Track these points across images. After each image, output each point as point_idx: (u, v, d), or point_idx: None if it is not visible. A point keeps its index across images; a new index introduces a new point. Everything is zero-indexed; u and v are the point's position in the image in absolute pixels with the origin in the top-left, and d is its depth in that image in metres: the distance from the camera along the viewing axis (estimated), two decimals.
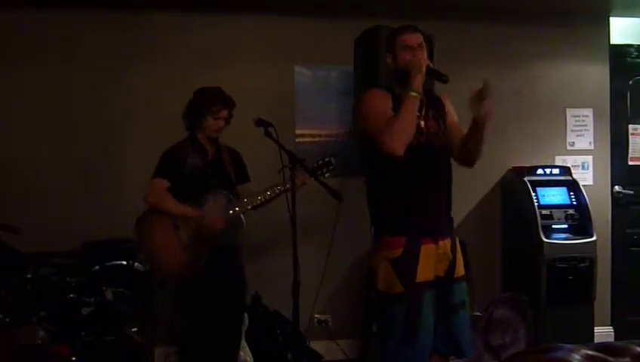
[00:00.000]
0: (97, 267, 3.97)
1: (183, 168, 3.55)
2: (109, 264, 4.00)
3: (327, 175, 3.72)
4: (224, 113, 3.56)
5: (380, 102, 2.80)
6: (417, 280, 2.70)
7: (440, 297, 2.77)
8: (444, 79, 2.79)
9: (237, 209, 3.52)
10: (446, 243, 2.80)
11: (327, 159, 3.76)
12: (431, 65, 2.80)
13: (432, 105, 2.93)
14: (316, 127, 4.75)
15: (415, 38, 2.85)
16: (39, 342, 3.56)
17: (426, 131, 2.83)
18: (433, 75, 2.82)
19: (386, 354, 2.77)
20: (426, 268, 2.72)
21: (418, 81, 2.73)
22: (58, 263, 3.92)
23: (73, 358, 3.50)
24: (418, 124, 2.78)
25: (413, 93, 2.70)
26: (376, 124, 2.73)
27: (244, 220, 3.58)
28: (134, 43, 4.56)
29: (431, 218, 2.79)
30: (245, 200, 3.55)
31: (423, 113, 2.85)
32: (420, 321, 2.69)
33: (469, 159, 2.94)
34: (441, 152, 2.89)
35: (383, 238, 2.81)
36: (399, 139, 2.65)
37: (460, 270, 2.86)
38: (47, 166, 4.44)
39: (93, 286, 3.86)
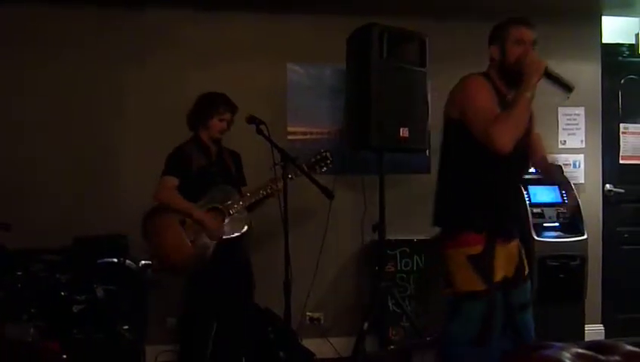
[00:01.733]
0: (88, 264, 3.95)
1: (190, 167, 3.68)
2: (100, 261, 3.99)
3: (324, 169, 3.78)
4: (228, 116, 3.72)
5: (488, 95, 2.68)
6: (496, 279, 2.68)
7: (507, 297, 2.75)
8: (566, 88, 2.70)
9: (241, 203, 3.64)
10: (516, 244, 2.82)
11: (324, 153, 3.82)
12: (549, 68, 2.66)
13: None
14: (308, 125, 4.74)
15: (530, 34, 2.76)
16: (29, 339, 3.54)
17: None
18: (552, 79, 2.69)
19: (458, 352, 2.71)
20: (501, 269, 2.71)
21: (534, 81, 2.61)
22: (49, 260, 3.90)
23: (64, 356, 3.48)
24: None
25: (529, 95, 2.58)
26: (484, 117, 2.59)
27: (247, 215, 3.68)
28: (127, 41, 4.54)
29: (509, 218, 2.80)
30: (248, 194, 3.68)
31: None
32: (495, 321, 2.67)
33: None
34: (526, 153, 2.85)
35: (461, 234, 2.72)
36: (511, 136, 2.54)
37: (525, 271, 2.86)
38: (39, 162, 4.43)
39: (84, 283, 3.84)
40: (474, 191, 2.74)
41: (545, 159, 2.98)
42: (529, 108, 2.61)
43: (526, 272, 2.86)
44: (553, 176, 3.02)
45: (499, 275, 2.69)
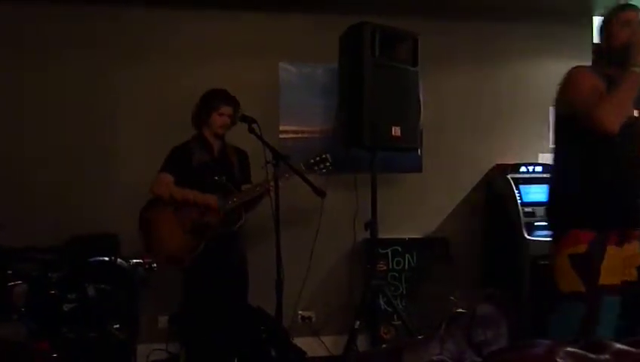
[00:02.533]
0: (80, 263, 3.93)
1: (190, 164, 3.75)
2: (91, 260, 3.97)
3: (323, 171, 3.80)
4: (228, 110, 3.77)
5: (592, 80, 2.62)
6: (601, 282, 2.55)
7: (630, 302, 2.62)
8: None
9: (236, 199, 3.68)
10: (633, 245, 2.63)
11: (323, 156, 3.85)
12: None
13: None
14: (300, 124, 4.74)
15: (636, 15, 2.69)
16: (20, 338, 3.53)
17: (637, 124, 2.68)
18: None
19: None
20: (611, 273, 2.56)
21: None
22: (39, 258, 3.88)
23: (54, 355, 3.46)
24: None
25: (637, 69, 2.52)
26: (588, 100, 2.54)
27: (243, 212, 3.72)
28: (120, 40, 4.55)
29: (627, 213, 2.63)
30: (244, 190, 3.75)
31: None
32: (596, 330, 2.53)
33: None
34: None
35: (566, 233, 2.64)
36: (616, 114, 2.49)
37: None
38: (31, 162, 4.42)
39: (75, 282, 3.82)
40: (583, 187, 2.66)
41: None
42: (637, 84, 2.54)
43: None
44: None
45: (608, 279, 2.56)
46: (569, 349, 1.80)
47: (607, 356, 1.75)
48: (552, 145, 5.03)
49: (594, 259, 2.56)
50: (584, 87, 2.62)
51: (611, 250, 2.57)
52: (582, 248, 2.58)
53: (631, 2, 2.80)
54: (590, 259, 2.56)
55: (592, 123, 2.51)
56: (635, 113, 2.70)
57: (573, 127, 2.63)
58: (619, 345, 1.81)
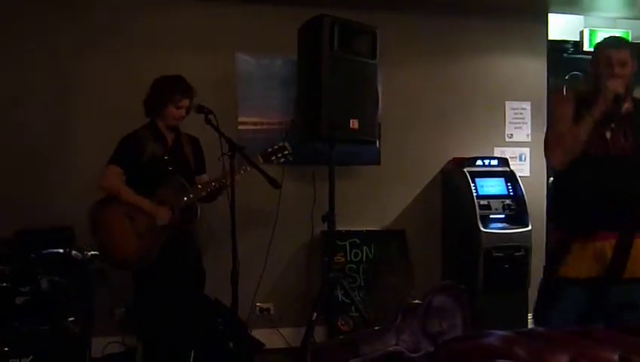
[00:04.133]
0: (33, 255, 3.86)
1: (142, 156, 3.58)
2: (44, 252, 3.90)
3: (282, 160, 3.76)
4: (186, 102, 3.60)
5: (563, 109, 2.87)
6: (562, 274, 2.78)
7: (597, 298, 2.74)
8: (619, 112, 2.75)
9: (191, 196, 3.57)
10: (605, 243, 2.74)
11: (281, 144, 3.80)
12: (621, 93, 2.71)
13: (632, 118, 2.83)
14: (259, 115, 4.71)
15: (618, 55, 2.78)
16: None
17: (611, 144, 2.80)
18: (616, 104, 2.73)
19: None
20: (577, 266, 2.75)
21: (599, 107, 2.70)
22: None
23: (6, 349, 3.41)
24: (602, 136, 2.78)
25: (590, 119, 2.71)
26: (551, 130, 2.89)
27: (198, 207, 3.63)
28: (74, 30, 4.46)
29: (592, 217, 2.76)
30: (200, 186, 3.61)
31: (613, 126, 2.80)
32: (550, 317, 2.76)
33: None
34: (625, 164, 2.81)
35: (550, 229, 3.00)
36: (561, 155, 2.77)
37: (631, 272, 2.73)
38: None
39: (28, 274, 3.76)
40: (559, 192, 2.95)
41: None
42: (587, 131, 2.72)
43: (636, 275, 2.73)
44: None
45: (570, 273, 2.77)
46: (517, 337, 1.85)
47: (553, 344, 1.81)
48: (507, 139, 5.19)
49: (559, 252, 2.79)
50: (554, 115, 2.94)
51: (577, 246, 2.77)
52: (553, 240, 2.89)
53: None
54: (555, 251, 2.81)
55: (545, 153, 2.88)
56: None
57: None
58: (566, 334, 1.87)
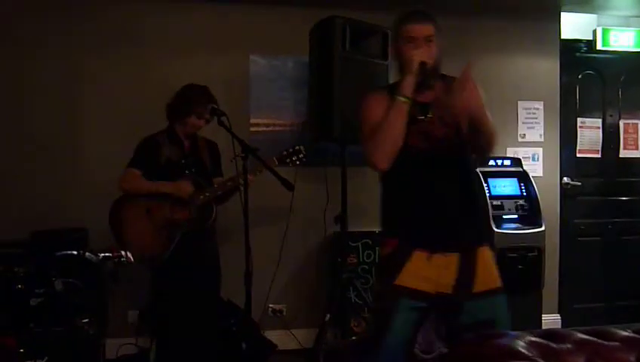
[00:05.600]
0: (47, 257, 3.89)
1: (159, 159, 3.66)
2: (59, 254, 3.92)
3: (297, 163, 3.79)
4: (208, 115, 3.64)
5: (374, 109, 2.50)
6: (397, 282, 2.46)
7: (450, 315, 2.52)
8: (430, 82, 2.47)
9: (208, 194, 3.61)
10: (448, 258, 2.48)
11: (297, 147, 3.82)
12: (428, 64, 2.42)
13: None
14: (271, 117, 4.73)
15: (421, 29, 2.47)
16: None
17: (433, 137, 2.50)
18: (424, 74, 2.43)
19: (366, 348, 2.63)
20: (415, 277, 2.46)
21: (407, 82, 2.40)
22: (6, 253, 3.83)
23: (21, 350, 3.43)
24: (423, 130, 2.48)
25: (401, 99, 2.39)
26: (363, 134, 2.50)
27: (214, 206, 3.66)
28: (89, 32, 4.50)
29: (431, 228, 2.49)
30: (216, 185, 3.66)
31: (429, 115, 2.50)
32: (390, 327, 2.46)
33: (476, 150, 2.60)
34: (452, 160, 2.54)
35: (382, 239, 2.64)
36: (381, 151, 2.40)
37: (484, 284, 2.49)
38: None
39: (42, 276, 3.78)
40: (388, 199, 2.64)
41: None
42: (404, 115, 2.40)
43: (488, 287, 2.50)
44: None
45: (414, 283, 2.45)
46: (533, 339, 1.84)
47: (569, 345, 1.80)
48: (520, 139, 5.16)
49: (395, 261, 2.49)
50: (364, 121, 2.53)
51: (418, 257, 2.48)
52: (387, 250, 2.55)
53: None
54: (391, 260, 2.51)
55: (365, 161, 2.46)
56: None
57: None
58: (581, 335, 1.86)
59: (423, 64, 2.40)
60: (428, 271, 2.47)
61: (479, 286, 2.48)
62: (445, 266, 2.47)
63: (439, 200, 2.51)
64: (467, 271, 2.48)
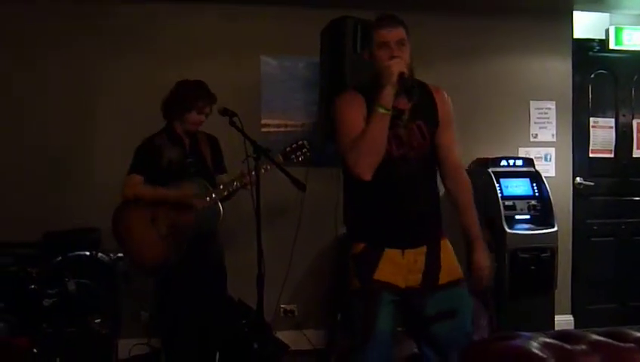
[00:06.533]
0: (60, 257, 3.91)
1: (160, 161, 3.57)
2: (71, 254, 3.95)
3: (300, 158, 3.73)
4: (208, 109, 3.58)
5: (352, 113, 2.48)
6: (376, 277, 2.49)
7: (416, 308, 2.55)
8: (413, 94, 2.47)
9: (214, 196, 3.54)
10: (417, 252, 2.54)
11: (300, 142, 3.74)
12: (406, 73, 2.40)
13: (422, 108, 2.56)
14: (282, 117, 4.74)
15: (393, 34, 2.47)
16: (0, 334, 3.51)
17: (408, 144, 2.52)
18: (404, 85, 2.42)
19: (352, 356, 2.60)
20: (390, 272, 2.50)
21: (387, 93, 2.37)
22: (19, 253, 3.86)
23: (34, 350, 3.45)
24: (398, 135, 2.49)
25: (382, 110, 2.37)
26: (344, 139, 2.46)
27: (221, 207, 3.61)
28: (100, 36, 4.52)
29: (397, 228, 2.54)
30: (222, 186, 3.58)
31: (405, 121, 2.52)
32: (375, 324, 2.48)
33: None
34: (420, 165, 2.57)
35: (350, 242, 2.64)
36: (365, 163, 2.39)
37: (448, 276, 2.56)
38: (11, 157, 4.38)
39: (55, 276, 3.81)
40: (354, 203, 2.66)
41: (444, 139, 2.64)
42: (385, 125, 2.40)
43: (451, 278, 2.58)
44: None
45: (388, 278, 2.50)
46: (546, 340, 1.83)
47: (583, 346, 1.79)
48: (532, 139, 5.14)
49: (369, 258, 2.52)
50: (342, 124, 2.51)
51: (389, 253, 2.52)
52: (359, 248, 2.57)
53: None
54: (365, 257, 2.54)
55: (345, 169, 2.47)
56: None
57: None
58: (595, 336, 1.85)
59: (402, 75, 2.38)
60: (399, 267, 2.52)
61: (444, 277, 2.55)
62: (414, 260, 2.53)
63: (403, 199, 2.55)
64: (433, 263, 2.55)
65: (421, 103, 2.55)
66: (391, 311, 2.52)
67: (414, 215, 2.56)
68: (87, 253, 3.97)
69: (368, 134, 2.39)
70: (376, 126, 2.38)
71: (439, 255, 2.58)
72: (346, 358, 2.85)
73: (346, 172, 2.58)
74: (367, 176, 2.41)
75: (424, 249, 2.56)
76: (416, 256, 2.54)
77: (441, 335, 2.53)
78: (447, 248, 2.63)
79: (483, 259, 2.63)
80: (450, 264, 2.61)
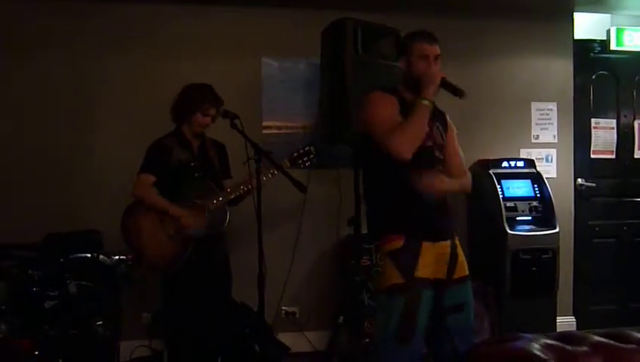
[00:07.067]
0: (61, 259, 3.91)
1: (169, 162, 3.64)
2: (73, 256, 3.95)
3: (307, 164, 3.77)
4: (213, 111, 3.65)
5: (387, 107, 2.80)
6: (417, 274, 2.70)
7: (438, 299, 2.75)
8: (459, 93, 2.78)
9: (221, 199, 3.60)
10: (445, 245, 2.80)
11: (307, 148, 3.80)
12: (446, 77, 2.80)
13: (439, 118, 2.96)
14: (283, 119, 4.73)
15: (434, 50, 2.85)
16: (0, 336, 3.50)
17: (432, 138, 2.86)
18: (448, 88, 2.79)
19: (382, 352, 2.74)
20: (426, 266, 2.72)
21: (431, 91, 2.75)
22: (20, 256, 3.85)
23: (36, 352, 3.45)
24: (429, 132, 2.82)
25: (425, 102, 2.73)
26: (382, 127, 2.73)
27: (227, 210, 3.65)
28: (102, 36, 4.51)
29: (430, 221, 2.77)
30: (229, 190, 3.63)
31: (430, 120, 2.84)
32: (417, 321, 2.67)
33: None
34: (441, 159, 2.92)
35: (382, 236, 2.80)
36: (408, 143, 2.68)
37: (461, 271, 2.84)
38: (11, 158, 4.37)
39: (56, 279, 3.80)
40: (390, 196, 2.82)
41: (451, 146, 3.00)
42: (427, 115, 2.74)
43: (463, 274, 2.85)
44: None
45: (425, 273, 2.72)
46: (548, 342, 1.83)
47: (585, 348, 1.79)
48: (533, 140, 5.14)
49: (409, 254, 2.72)
50: (378, 114, 2.79)
51: (426, 247, 2.74)
52: (398, 244, 2.73)
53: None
54: (405, 253, 2.72)
55: (387, 150, 2.69)
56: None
57: (374, 145, 2.78)
58: (596, 337, 1.85)
59: (444, 78, 2.78)
60: (432, 259, 2.75)
61: (458, 272, 2.83)
62: (443, 252, 2.78)
63: (432, 194, 2.79)
64: (454, 256, 2.83)
65: (435, 112, 2.88)
66: (428, 308, 2.71)
67: (443, 207, 2.85)
68: (89, 255, 3.96)
69: (413, 120, 2.71)
70: (420, 113, 2.72)
71: (457, 249, 2.85)
72: (351, 359, 2.89)
73: (378, 165, 2.83)
74: (408, 155, 2.68)
75: (449, 242, 2.81)
76: (444, 249, 2.79)
77: (452, 326, 2.75)
78: (459, 243, 2.89)
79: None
80: (462, 259, 2.87)
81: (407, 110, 2.78)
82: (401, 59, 2.90)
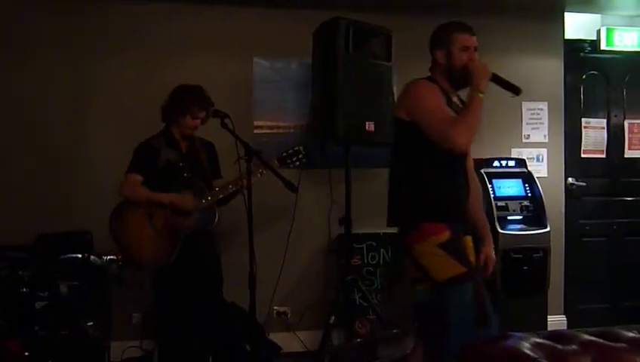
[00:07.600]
0: (52, 260, 3.89)
1: (157, 162, 3.64)
2: (63, 257, 3.93)
3: (297, 164, 3.78)
4: (202, 114, 3.65)
5: (437, 97, 2.82)
6: (472, 259, 2.87)
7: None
8: (515, 90, 2.86)
9: (210, 198, 3.60)
10: (471, 238, 2.96)
11: (296, 148, 3.82)
12: (496, 72, 2.85)
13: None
14: (275, 119, 4.72)
15: (474, 41, 2.89)
16: None
17: None
18: (500, 83, 2.87)
19: (466, 339, 2.68)
20: (470, 254, 2.90)
21: (484, 84, 2.78)
22: (10, 256, 3.84)
23: (26, 353, 3.43)
24: None
25: (481, 95, 2.77)
26: (436, 117, 2.75)
27: (216, 209, 3.65)
28: (93, 35, 4.49)
29: (464, 213, 2.92)
30: (217, 189, 3.64)
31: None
32: (488, 305, 2.75)
33: None
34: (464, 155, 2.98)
35: (424, 225, 2.78)
36: (470, 135, 2.74)
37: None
38: (1, 159, 4.34)
39: (47, 279, 3.79)
40: (431, 186, 2.84)
41: None
42: (482, 107, 2.78)
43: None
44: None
45: (472, 259, 2.88)
46: (538, 340, 1.83)
47: (574, 346, 1.79)
48: (524, 140, 5.15)
49: (459, 243, 2.82)
50: (431, 104, 2.80)
51: (465, 237, 2.90)
52: (446, 235, 2.75)
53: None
54: (456, 242, 2.79)
55: (445, 142, 2.71)
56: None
57: (417, 133, 2.79)
58: (586, 336, 1.85)
59: (495, 74, 2.85)
60: (469, 248, 2.92)
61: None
62: (471, 245, 2.94)
63: (467, 185, 2.99)
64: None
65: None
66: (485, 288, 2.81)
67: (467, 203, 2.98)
68: (79, 256, 3.95)
69: (473, 111, 2.75)
70: (478, 106, 2.76)
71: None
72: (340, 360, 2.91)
73: (424, 152, 2.80)
74: (468, 147, 2.85)
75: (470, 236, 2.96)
76: (470, 241, 2.96)
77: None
78: None
79: (492, 251, 3.03)
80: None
81: (448, 101, 2.84)
82: (437, 49, 2.91)
